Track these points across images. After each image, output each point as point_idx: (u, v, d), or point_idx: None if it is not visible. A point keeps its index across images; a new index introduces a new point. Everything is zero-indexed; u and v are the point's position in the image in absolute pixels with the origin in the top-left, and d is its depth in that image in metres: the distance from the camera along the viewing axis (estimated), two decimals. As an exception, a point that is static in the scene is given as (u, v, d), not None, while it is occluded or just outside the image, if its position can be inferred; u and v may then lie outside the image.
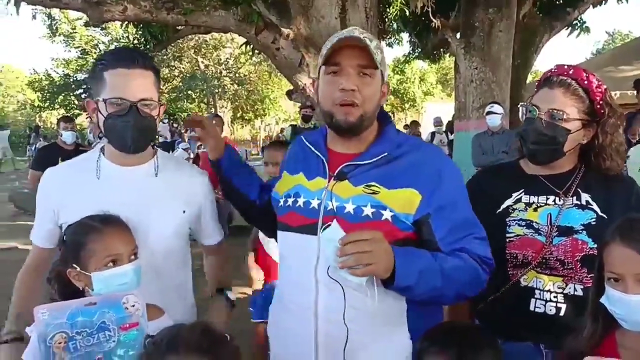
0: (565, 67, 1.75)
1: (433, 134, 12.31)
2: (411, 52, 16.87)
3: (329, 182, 1.64)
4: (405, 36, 15.57)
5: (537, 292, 1.72)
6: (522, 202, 1.79)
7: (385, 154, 1.62)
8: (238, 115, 34.45)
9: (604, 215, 1.69)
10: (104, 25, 21.91)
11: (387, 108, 37.25)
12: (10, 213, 11.57)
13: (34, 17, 15.43)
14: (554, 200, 1.76)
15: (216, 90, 29.83)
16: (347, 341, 1.53)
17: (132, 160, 1.81)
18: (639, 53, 12.26)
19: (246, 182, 1.96)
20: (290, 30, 7.16)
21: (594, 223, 1.68)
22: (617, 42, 41.10)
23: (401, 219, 1.56)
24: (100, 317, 1.36)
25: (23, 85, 40.32)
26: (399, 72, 36.83)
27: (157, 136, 9.94)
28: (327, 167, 1.67)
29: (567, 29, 11.31)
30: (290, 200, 1.71)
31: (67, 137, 5.94)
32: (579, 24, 11.32)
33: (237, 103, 32.33)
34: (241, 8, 7.48)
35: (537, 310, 1.72)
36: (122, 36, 22.14)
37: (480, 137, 6.83)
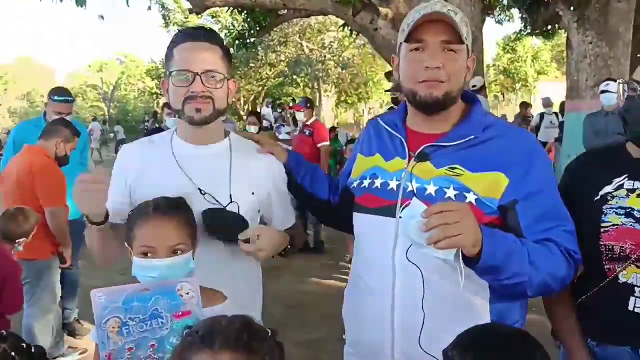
0: None
1: (542, 115, 11.60)
2: (522, 28, 16.04)
3: (408, 162, 1.59)
4: (515, 12, 14.83)
5: (637, 289, 1.52)
6: (624, 189, 1.58)
7: (472, 136, 1.56)
8: (342, 99, 34.52)
9: None
10: (213, 14, 22.75)
11: (496, 88, 36.09)
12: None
13: (149, 7, 16.29)
14: None
15: (320, 74, 30.04)
16: (422, 328, 1.46)
17: (204, 138, 1.82)
18: None
19: (315, 182, 1.97)
20: (389, 9, 7.00)
21: None
22: None
23: (486, 203, 1.50)
24: (155, 303, 1.36)
25: (142, 74, 43.01)
26: (510, 51, 35.15)
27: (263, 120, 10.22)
28: (406, 147, 1.62)
29: None
30: (366, 182, 1.69)
31: (170, 123, 6.18)
32: None
33: (341, 87, 32.38)
34: (338, -11, 7.41)
35: (636, 310, 1.51)
36: (231, 24, 22.88)
37: (593, 117, 6.33)
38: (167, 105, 6.53)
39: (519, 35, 17.14)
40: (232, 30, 19.21)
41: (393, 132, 1.68)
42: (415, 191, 1.53)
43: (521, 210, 1.49)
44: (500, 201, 1.49)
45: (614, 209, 1.56)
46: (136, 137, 2.32)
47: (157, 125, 19.83)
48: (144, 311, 1.36)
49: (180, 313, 1.38)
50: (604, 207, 1.58)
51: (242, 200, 1.80)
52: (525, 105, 14.03)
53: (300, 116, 7.24)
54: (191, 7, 8.13)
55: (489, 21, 16.37)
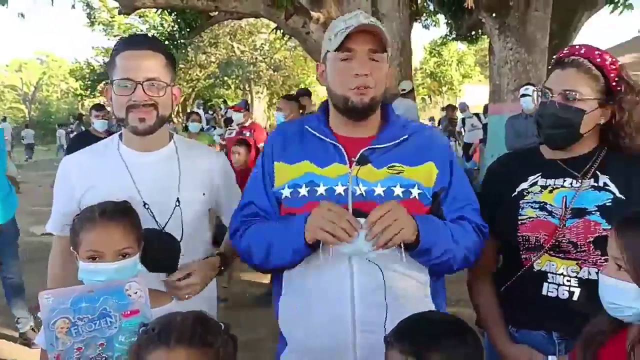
0: (577, 46, 1.68)
1: (464, 120, 12.13)
2: (448, 33, 16.59)
3: (351, 167, 1.64)
4: (441, 17, 15.33)
5: (549, 275, 1.67)
6: (537, 185, 1.75)
7: (403, 137, 1.69)
8: (274, 101, 34.52)
9: (623, 197, 1.62)
10: (141, 14, 22.22)
11: (423, 92, 37.05)
12: (52, 199, 11.88)
13: (73, 6, 15.71)
14: (571, 183, 1.70)
15: (252, 76, 29.91)
16: (385, 322, 1.53)
17: (149, 145, 1.84)
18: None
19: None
20: (320, 13, 7.13)
21: (610, 204, 1.62)
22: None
23: (426, 194, 1.65)
24: (103, 303, 1.39)
25: (66, 74, 41.35)
26: (436, 55, 36.27)
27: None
28: (344, 152, 1.67)
29: (609, 6, 10.89)
30: (303, 191, 1.66)
31: (98, 125, 6.03)
32: (621, 1, 10.89)
33: (272, 89, 32.38)
34: (270, -8, 7.47)
35: (549, 294, 1.67)
36: (159, 24, 22.42)
37: (514, 120, 6.66)
38: (95, 107, 6.35)
39: (444, 40, 17.70)
40: (160, 31, 18.86)
41: (324, 138, 1.70)
42: (364, 194, 1.60)
43: (445, 195, 1.68)
44: (434, 189, 1.66)
45: (530, 204, 1.72)
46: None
47: (83, 128, 19.18)
48: (92, 311, 1.38)
49: (129, 312, 1.41)
50: (521, 201, 1.74)
51: (193, 203, 1.85)
52: (451, 108, 14.55)
53: (239, 117, 7.26)
54: (119, 6, 7.96)
55: (417, 26, 16.85)
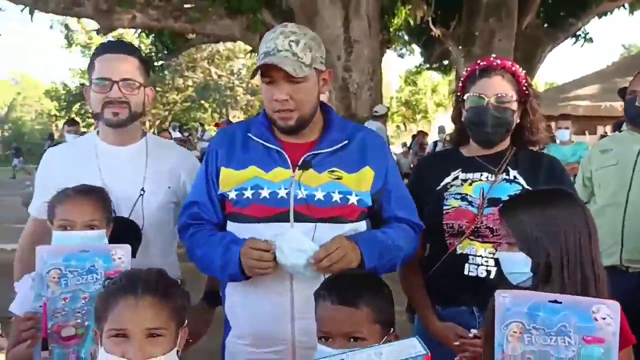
0: (491, 59, 1.97)
1: (435, 143, 12.46)
2: (422, 63, 17.03)
3: (294, 171, 1.76)
4: (417, 47, 15.78)
5: (470, 257, 1.91)
6: (459, 179, 2.00)
7: (345, 142, 1.81)
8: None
9: (529, 188, 1.90)
10: (118, 35, 22.39)
11: (397, 119, 37.46)
12: (23, 216, 11.81)
13: (51, 27, 15.91)
14: (487, 177, 1.96)
15: (229, 101, 30.20)
16: None
17: (123, 139, 2.04)
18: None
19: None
20: (293, 38, 7.38)
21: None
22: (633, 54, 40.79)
23: (363, 199, 1.78)
24: (91, 261, 1.57)
25: (41, 95, 41.11)
26: (411, 83, 36.97)
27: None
28: (287, 157, 1.77)
29: (571, 38, 11.45)
30: (248, 193, 1.75)
31: (69, 138, 6.20)
32: (582, 35, 11.48)
33: (249, 113, 32.65)
34: (246, 17, 7.75)
35: (470, 274, 1.90)
36: (137, 46, 22.60)
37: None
38: (67, 122, 6.63)
39: (419, 69, 18.13)
40: (138, 53, 19.01)
41: (268, 144, 1.79)
42: (305, 198, 1.72)
43: (383, 196, 1.83)
44: (371, 191, 1.80)
45: (453, 195, 1.97)
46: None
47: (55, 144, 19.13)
48: (81, 267, 1.57)
49: (112, 272, 1.57)
50: (445, 193, 1.98)
51: (157, 194, 2.03)
52: (422, 134, 14.88)
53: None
54: (98, 27, 8.15)
55: (392, 55, 17.25)
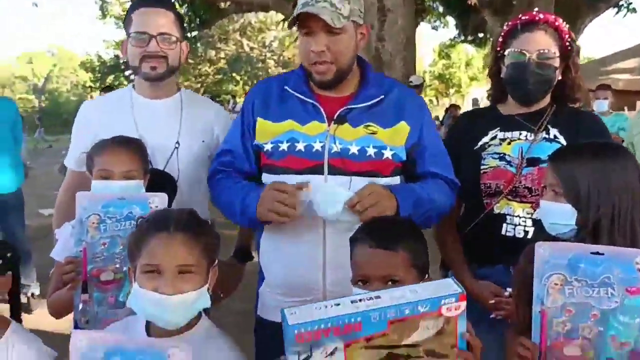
0: (534, 13, 1.90)
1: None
2: (457, 36, 16.74)
3: (329, 125, 1.77)
4: (451, 19, 15.48)
5: (508, 217, 1.88)
6: (497, 139, 1.96)
7: (382, 96, 1.80)
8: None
9: None
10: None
11: (430, 93, 37.08)
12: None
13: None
14: (526, 136, 1.92)
15: (260, 73, 30.19)
16: None
17: (159, 93, 2.07)
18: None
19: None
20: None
21: None
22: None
23: (399, 154, 1.78)
24: (129, 208, 1.61)
25: (76, 67, 41.77)
26: (445, 57, 36.40)
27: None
28: (323, 111, 1.78)
29: (613, 8, 11.06)
30: (284, 146, 1.78)
31: None
32: (625, 5, 11.07)
33: (281, 86, 32.60)
34: (279, -16, 7.67)
35: (507, 234, 1.88)
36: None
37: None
38: (103, 89, 6.80)
39: (453, 42, 17.81)
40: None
41: (305, 98, 1.80)
42: (340, 151, 1.73)
43: (419, 151, 1.82)
44: (406, 146, 1.80)
45: (491, 154, 1.93)
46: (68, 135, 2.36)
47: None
48: (119, 213, 1.61)
49: None
50: (482, 153, 1.95)
51: (191, 147, 2.05)
52: (455, 107, 14.69)
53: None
54: (132, -4, 8.17)
55: (426, 27, 16.97)
